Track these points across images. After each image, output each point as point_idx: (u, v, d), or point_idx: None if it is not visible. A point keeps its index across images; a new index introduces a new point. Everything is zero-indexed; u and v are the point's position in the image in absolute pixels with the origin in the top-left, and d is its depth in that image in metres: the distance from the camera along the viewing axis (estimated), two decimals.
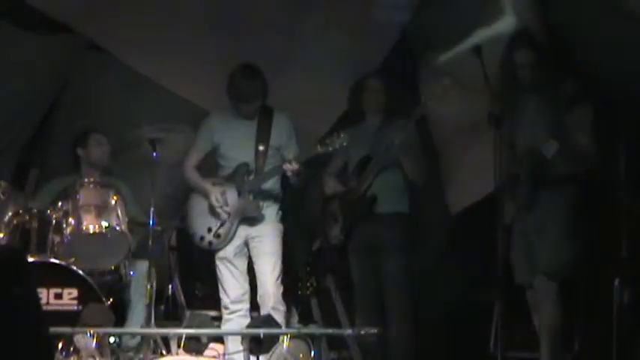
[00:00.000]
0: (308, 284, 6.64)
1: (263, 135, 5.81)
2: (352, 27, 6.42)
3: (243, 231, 5.79)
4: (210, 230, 5.76)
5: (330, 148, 5.65)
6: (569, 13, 5.31)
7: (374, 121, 6.00)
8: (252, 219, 5.76)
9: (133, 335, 5.47)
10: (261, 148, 5.79)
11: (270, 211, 5.83)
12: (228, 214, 5.73)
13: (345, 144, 5.64)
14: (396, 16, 6.37)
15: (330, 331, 5.46)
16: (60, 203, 5.41)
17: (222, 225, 5.75)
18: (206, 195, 5.78)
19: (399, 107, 5.95)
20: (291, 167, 5.62)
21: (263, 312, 5.63)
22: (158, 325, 5.73)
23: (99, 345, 4.49)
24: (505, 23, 5.50)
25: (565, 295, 5.26)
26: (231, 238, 5.77)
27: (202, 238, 5.78)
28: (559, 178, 5.01)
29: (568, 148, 4.90)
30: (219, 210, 5.72)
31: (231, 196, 5.74)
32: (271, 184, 5.83)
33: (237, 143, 5.82)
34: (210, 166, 5.97)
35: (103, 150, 6.08)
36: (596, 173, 5.20)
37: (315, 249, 6.65)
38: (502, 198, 4.88)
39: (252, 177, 5.75)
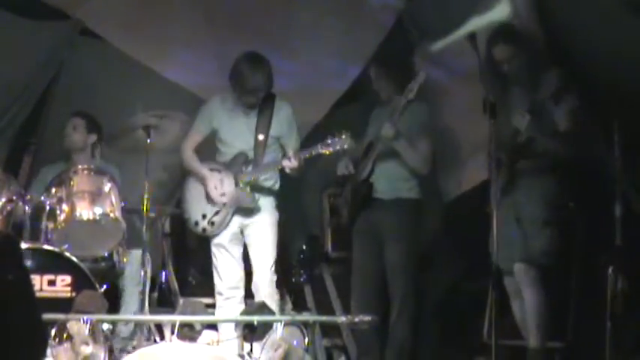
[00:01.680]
0: (302, 272, 6.65)
1: (263, 124, 5.79)
2: (347, 14, 6.43)
3: (239, 218, 5.79)
4: (204, 217, 5.78)
5: (331, 149, 5.61)
6: (562, 1, 5.33)
7: (387, 105, 5.88)
8: (243, 210, 5.76)
9: (127, 322, 5.47)
10: (260, 137, 5.77)
11: (267, 200, 5.83)
12: (224, 202, 5.73)
13: (346, 147, 5.59)
14: (391, 3, 6.39)
15: (323, 318, 5.46)
16: (53, 190, 5.40)
17: (217, 213, 5.76)
18: (203, 180, 5.78)
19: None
20: (290, 164, 5.61)
21: (257, 299, 5.65)
22: (152, 312, 5.74)
23: (92, 332, 4.48)
24: (500, 11, 5.49)
25: (556, 283, 5.31)
26: (225, 227, 5.78)
27: (197, 223, 5.81)
28: (537, 155, 5.11)
29: (547, 128, 5.02)
30: (215, 198, 5.72)
31: (228, 184, 5.74)
32: (268, 174, 5.82)
33: (236, 130, 5.81)
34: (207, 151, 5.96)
35: (78, 134, 6.06)
36: (588, 162, 5.27)
37: (311, 237, 6.67)
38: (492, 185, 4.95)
39: (250, 167, 5.73)
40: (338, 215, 6.13)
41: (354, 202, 5.88)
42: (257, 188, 5.78)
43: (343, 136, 5.57)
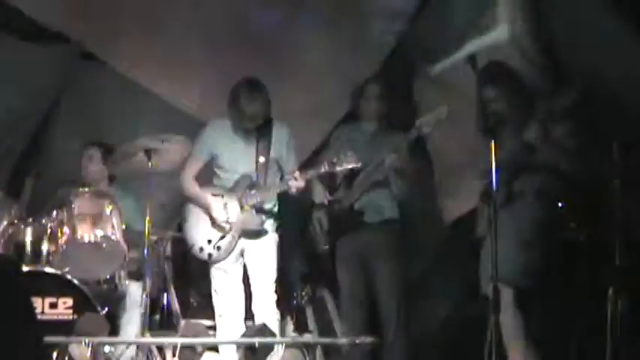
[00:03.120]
0: (303, 293, 6.64)
1: (264, 147, 5.78)
2: (348, 37, 6.43)
3: (241, 241, 5.78)
4: (210, 242, 5.73)
5: (337, 168, 5.64)
6: (560, 20, 5.36)
7: (368, 128, 5.98)
8: (249, 234, 5.73)
9: (128, 345, 5.47)
10: (262, 159, 5.76)
11: (268, 222, 5.81)
12: (230, 227, 5.72)
13: (351, 166, 5.60)
14: (392, 26, 6.39)
15: (324, 340, 5.45)
16: (55, 212, 5.41)
17: (222, 238, 5.72)
18: (206, 208, 5.74)
19: (393, 117, 5.97)
20: (296, 184, 5.60)
21: (257, 321, 5.63)
22: (153, 334, 5.73)
23: (94, 354, 4.49)
24: (499, 33, 5.53)
25: (559, 305, 5.30)
26: (232, 250, 5.74)
27: (202, 249, 5.75)
28: (542, 168, 5.13)
29: (550, 141, 5.08)
30: (222, 224, 5.70)
31: (233, 208, 5.71)
32: (268, 202, 5.81)
33: (237, 154, 5.78)
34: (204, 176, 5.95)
35: (94, 165, 6.10)
36: (586, 184, 5.29)
37: (312, 258, 6.66)
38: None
39: (254, 190, 5.72)
40: (312, 241, 6.10)
41: (335, 228, 5.90)
42: (261, 210, 5.77)
43: (349, 155, 5.60)
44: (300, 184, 5.61)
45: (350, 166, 5.60)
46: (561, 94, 5.00)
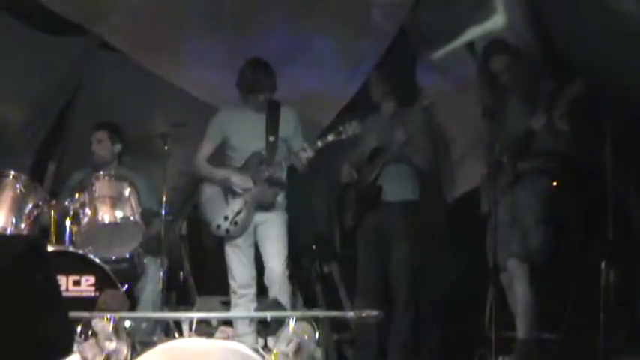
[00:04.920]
0: (312, 270, 6.68)
1: (272, 127, 5.84)
2: (353, 24, 6.44)
3: (254, 217, 5.81)
4: (226, 218, 5.76)
5: (343, 136, 5.71)
6: (557, 11, 5.36)
7: (387, 111, 6.02)
8: (263, 206, 5.78)
9: (147, 319, 5.52)
10: (271, 139, 5.82)
11: (279, 198, 5.86)
12: (245, 201, 5.76)
13: (357, 132, 5.70)
14: (394, 14, 6.37)
15: (333, 313, 5.49)
16: (77, 195, 5.41)
17: (239, 213, 5.75)
18: (224, 182, 5.78)
19: (406, 95, 6.00)
20: (306, 155, 5.65)
21: (270, 292, 5.68)
22: (171, 309, 5.78)
23: (116, 328, 4.52)
24: (496, 21, 5.54)
25: (552, 277, 5.34)
26: (248, 225, 5.78)
27: (219, 226, 5.78)
28: (541, 154, 5.17)
29: (552, 130, 5.09)
30: (240, 192, 5.73)
31: (247, 183, 5.77)
32: (278, 174, 5.86)
33: (247, 135, 5.84)
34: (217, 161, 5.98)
35: (103, 147, 6.09)
36: (582, 164, 5.31)
37: (320, 236, 6.70)
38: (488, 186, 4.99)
39: (264, 166, 5.76)
40: (342, 218, 6.17)
41: (360, 205, 5.94)
42: (273, 183, 5.81)
43: (353, 124, 5.68)
44: (310, 154, 5.66)
45: (357, 132, 5.68)
46: (570, 86, 4.99)
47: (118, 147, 6.13)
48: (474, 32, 5.69)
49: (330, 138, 5.73)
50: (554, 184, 5.52)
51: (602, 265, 4.59)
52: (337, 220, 6.30)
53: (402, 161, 5.84)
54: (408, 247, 5.80)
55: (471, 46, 5.78)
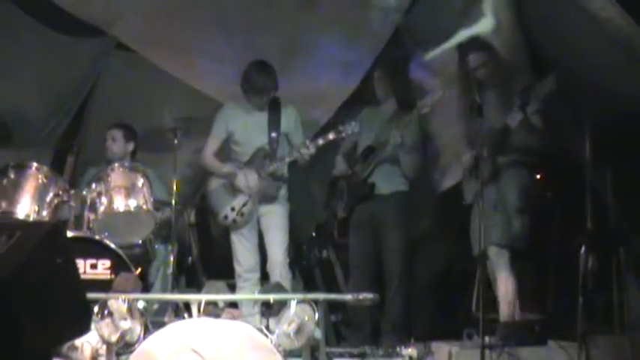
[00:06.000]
0: (312, 256, 6.73)
1: (274, 123, 5.89)
2: (350, 26, 6.45)
3: (259, 208, 5.88)
4: (233, 209, 5.82)
5: (343, 135, 5.76)
6: (538, 11, 5.41)
7: (387, 108, 6.04)
8: (268, 198, 5.84)
9: (158, 301, 5.58)
10: (273, 134, 5.87)
11: (281, 191, 5.92)
12: (250, 194, 5.83)
13: (356, 131, 5.74)
14: (389, 16, 6.39)
15: (332, 296, 5.53)
16: (94, 185, 5.45)
17: (245, 204, 5.81)
18: (229, 177, 5.84)
19: (406, 94, 6.05)
20: (308, 152, 5.70)
21: (272, 279, 5.74)
22: (180, 292, 5.83)
23: (130, 309, 4.57)
24: (485, 24, 5.56)
25: (535, 263, 5.39)
26: (254, 216, 5.84)
27: (226, 216, 5.84)
28: (517, 150, 5.20)
29: (526, 127, 5.11)
30: (244, 189, 5.79)
31: (252, 177, 5.82)
32: (282, 167, 5.92)
33: (251, 130, 5.88)
34: (224, 154, 6.04)
35: (117, 144, 6.13)
36: (559, 158, 5.35)
37: (319, 224, 6.75)
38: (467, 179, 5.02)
39: (268, 160, 5.82)
40: (333, 207, 6.21)
41: (353, 197, 6.00)
42: (276, 177, 5.87)
43: (352, 123, 5.73)
44: (312, 151, 5.71)
45: (356, 131, 5.72)
46: (541, 83, 5.04)
47: (131, 145, 6.18)
48: (464, 34, 5.71)
49: (331, 136, 5.79)
50: (538, 176, 5.59)
51: (582, 251, 4.63)
52: (330, 210, 6.33)
53: (394, 162, 5.90)
54: (399, 233, 5.85)
55: (461, 47, 5.84)
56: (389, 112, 6.03)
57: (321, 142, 5.78)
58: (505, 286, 5.20)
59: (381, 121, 6.01)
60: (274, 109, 5.92)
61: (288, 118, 5.93)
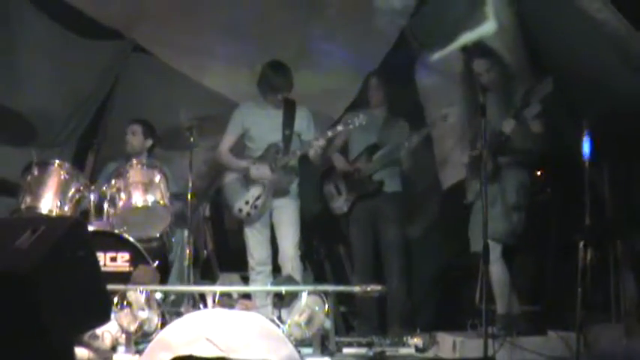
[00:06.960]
0: (321, 249, 6.74)
1: (288, 122, 5.90)
2: (357, 29, 6.47)
3: (272, 202, 5.87)
4: (247, 203, 5.81)
5: (351, 127, 5.76)
6: (538, 14, 5.40)
7: (378, 113, 6.10)
8: (279, 192, 5.84)
9: (175, 292, 5.59)
10: (287, 132, 5.88)
11: (292, 187, 5.92)
12: (264, 187, 5.83)
13: (363, 123, 5.74)
14: (395, 20, 6.41)
15: (340, 288, 5.54)
16: (113, 181, 5.48)
17: (258, 197, 5.81)
18: (244, 171, 5.83)
19: (396, 103, 6.10)
20: (319, 143, 5.70)
21: (284, 272, 5.74)
22: (196, 283, 5.83)
23: (148, 300, 4.59)
24: (488, 27, 5.56)
25: (534, 257, 5.39)
26: (268, 208, 5.83)
27: (240, 210, 5.83)
28: (515, 152, 5.20)
29: (523, 131, 5.11)
30: (260, 182, 5.79)
31: (265, 171, 5.84)
32: (293, 162, 5.93)
33: (266, 127, 5.89)
34: (237, 151, 6.04)
35: (136, 138, 6.13)
36: (559, 158, 5.34)
37: (327, 219, 6.75)
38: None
39: (281, 155, 5.82)
40: (329, 203, 6.22)
41: (355, 193, 6.03)
42: (288, 171, 5.87)
43: (360, 115, 5.74)
44: (322, 143, 5.71)
45: (364, 123, 5.72)
46: (539, 85, 5.03)
47: (150, 141, 6.17)
48: (467, 37, 5.71)
49: (340, 128, 5.81)
50: (538, 172, 5.58)
51: (581, 246, 4.62)
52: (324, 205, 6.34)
53: (396, 163, 5.98)
54: (398, 230, 5.94)
55: (465, 49, 5.85)
56: (381, 118, 6.10)
57: (330, 134, 5.81)
58: (500, 280, 5.21)
59: (375, 123, 6.05)
60: (289, 108, 5.93)
61: (302, 118, 5.94)
